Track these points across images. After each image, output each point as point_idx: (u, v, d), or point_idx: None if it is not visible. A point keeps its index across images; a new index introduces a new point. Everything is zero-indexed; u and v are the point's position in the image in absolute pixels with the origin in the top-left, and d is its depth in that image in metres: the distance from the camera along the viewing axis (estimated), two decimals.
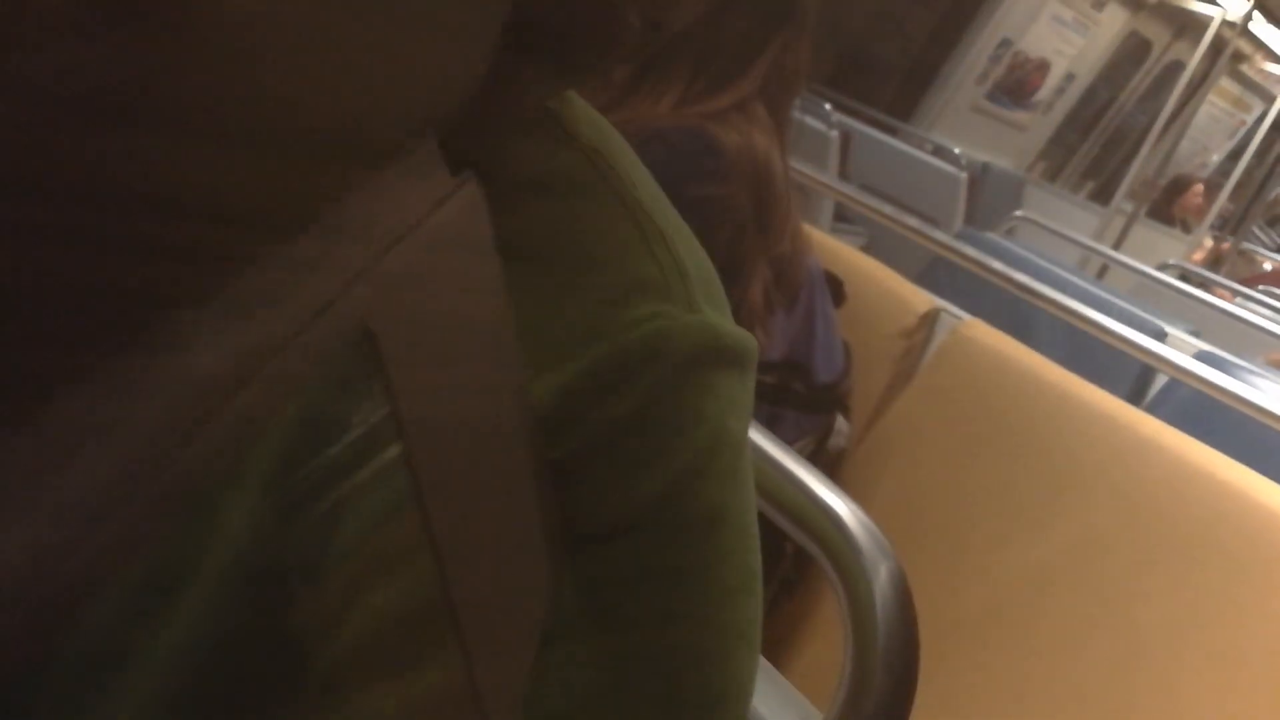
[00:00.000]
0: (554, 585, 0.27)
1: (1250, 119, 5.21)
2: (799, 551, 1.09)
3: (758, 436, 0.45)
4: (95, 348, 0.12)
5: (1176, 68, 4.49)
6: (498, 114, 0.29)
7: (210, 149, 0.13)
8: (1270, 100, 4.63)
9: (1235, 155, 4.84)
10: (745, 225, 0.94)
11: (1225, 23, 3.89)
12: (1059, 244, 2.60)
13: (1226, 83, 4.97)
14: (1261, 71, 4.97)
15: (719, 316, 0.30)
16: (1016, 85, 4.45)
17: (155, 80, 0.12)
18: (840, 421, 1.19)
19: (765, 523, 0.31)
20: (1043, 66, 4.46)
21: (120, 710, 0.13)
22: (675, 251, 0.30)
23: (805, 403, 1.14)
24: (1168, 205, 4.38)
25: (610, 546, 0.28)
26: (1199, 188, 4.41)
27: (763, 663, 0.46)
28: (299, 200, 0.16)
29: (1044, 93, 4.58)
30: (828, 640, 1.06)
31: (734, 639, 0.30)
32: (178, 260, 0.13)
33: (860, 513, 0.42)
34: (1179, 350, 1.21)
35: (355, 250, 0.17)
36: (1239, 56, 4.55)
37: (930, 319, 1.20)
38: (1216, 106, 5.16)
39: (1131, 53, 4.79)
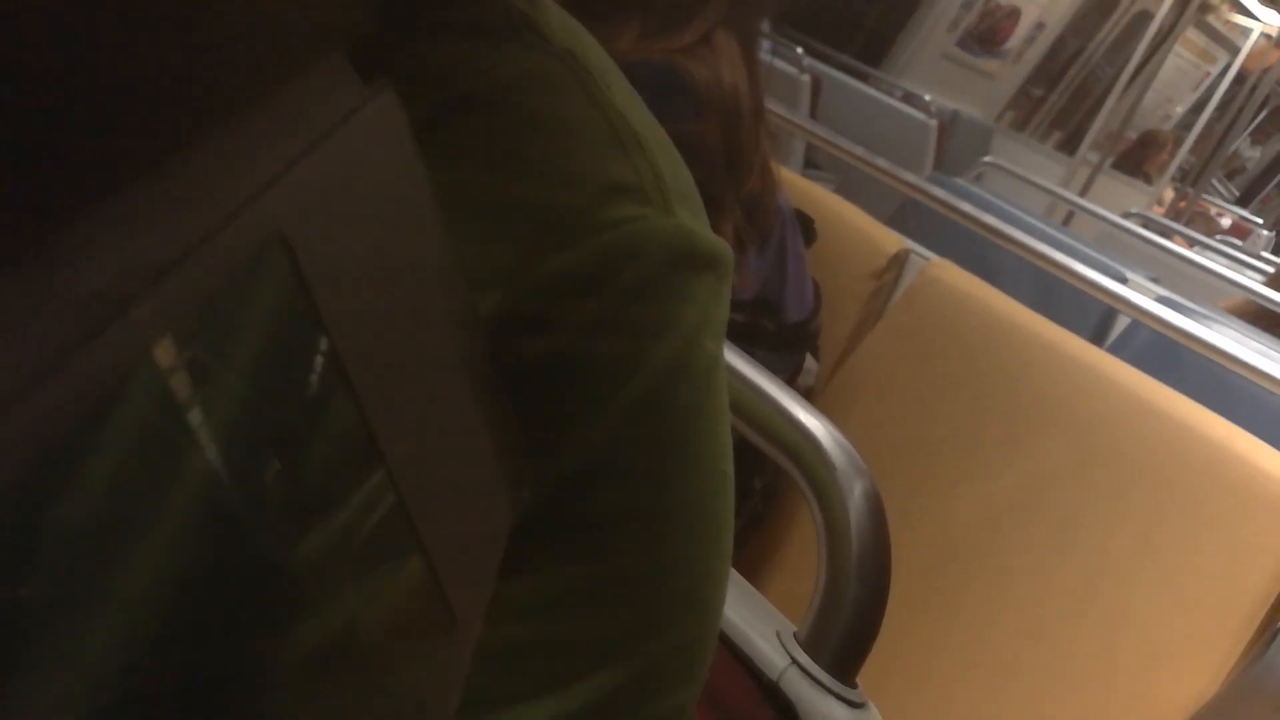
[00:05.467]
0: (514, 486, 0.27)
1: (1214, 71, 5.26)
2: (767, 487, 1.11)
3: (735, 359, 0.45)
4: None
5: (1144, 18, 4.50)
6: (451, 21, 0.28)
7: (115, 35, 0.12)
8: (1235, 52, 4.67)
9: (1198, 108, 4.89)
10: (716, 162, 0.93)
11: None
12: (1026, 194, 2.62)
13: (1193, 34, 5.00)
14: (1227, 23, 5.00)
15: (695, 220, 0.30)
16: (988, 33, 4.44)
17: None
18: (809, 360, 1.20)
19: (734, 458, 0.32)
20: (1014, 14, 4.44)
21: (101, 641, 0.13)
22: (652, 156, 0.29)
23: (775, 341, 1.15)
24: (1139, 160, 4.42)
25: (585, 447, 0.28)
26: (1170, 146, 4.46)
27: (736, 577, 0.48)
28: (203, 105, 0.15)
29: (1014, 41, 4.57)
30: (795, 573, 1.08)
31: (707, 541, 0.30)
32: (68, 165, 0.12)
33: (835, 430, 0.42)
34: (1140, 294, 1.23)
35: (263, 161, 0.16)
36: (1205, 7, 4.57)
37: (900, 260, 1.21)
38: (1182, 58, 5.20)
39: (1101, 2, 4.79)
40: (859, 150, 1.42)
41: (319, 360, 0.18)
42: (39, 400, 0.11)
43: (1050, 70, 5.05)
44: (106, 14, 0.12)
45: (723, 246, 0.30)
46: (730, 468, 0.31)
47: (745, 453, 0.39)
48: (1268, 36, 4.45)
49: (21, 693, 0.12)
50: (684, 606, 0.30)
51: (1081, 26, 4.88)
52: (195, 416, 0.15)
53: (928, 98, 3.28)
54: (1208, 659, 0.83)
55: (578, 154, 0.28)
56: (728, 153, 0.94)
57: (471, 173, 0.27)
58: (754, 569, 1.12)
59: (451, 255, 0.24)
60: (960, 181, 2.15)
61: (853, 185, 1.98)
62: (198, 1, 0.14)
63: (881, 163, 1.40)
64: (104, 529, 0.13)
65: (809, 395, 1.18)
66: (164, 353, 0.13)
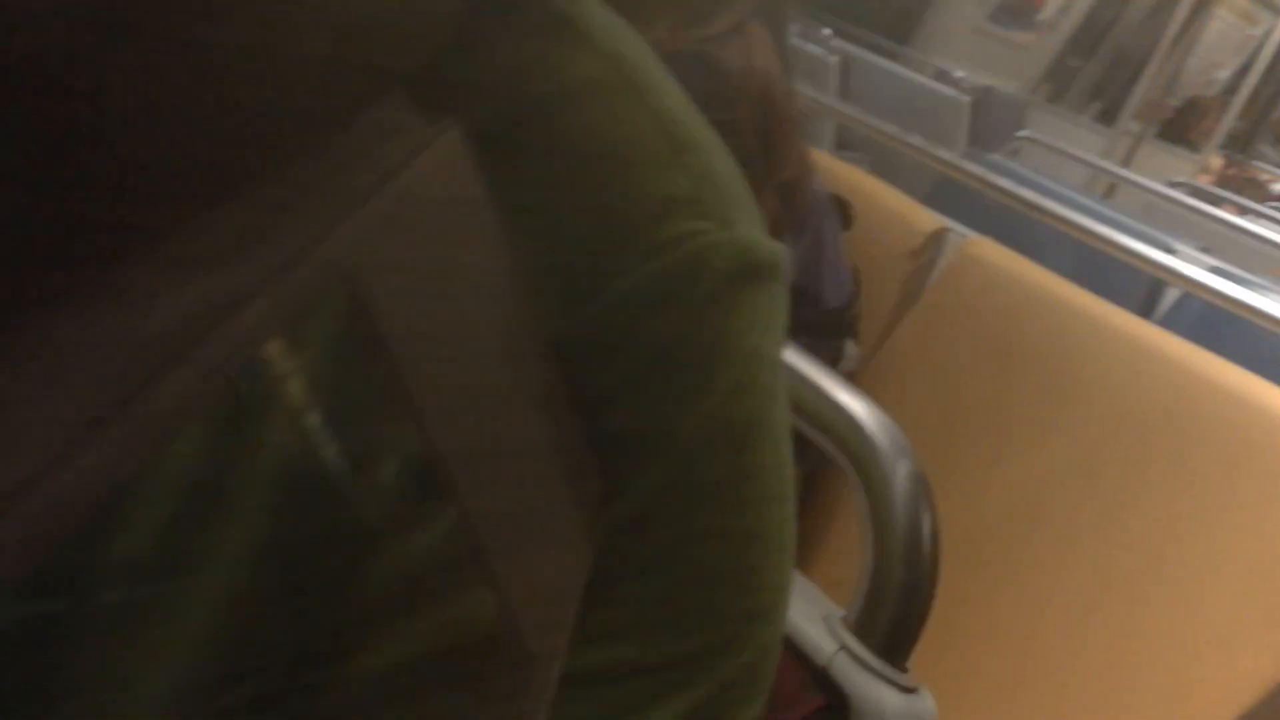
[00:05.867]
0: (590, 518, 0.27)
1: (1259, 33, 5.09)
2: (810, 473, 1.10)
3: None
4: (35, 304, 0.11)
5: None
6: (493, 30, 0.27)
7: (184, 74, 0.12)
8: (1279, 12, 4.52)
9: (1243, 71, 4.74)
10: (751, 151, 0.92)
11: None
12: (1063, 168, 2.56)
13: None
14: None
15: (751, 228, 0.29)
16: (1019, 4, 4.34)
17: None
18: (849, 346, 1.18)
19: None
20: None
21: (188, 608, 0.13)
22: (706, 160, 0.29)
23: (815, 329, 1.14)
24: (1183, 128, 4.30)
25: (657, 470, 0.28)
26: (1215, 111, 4.32)
27: None
28: (270, 145, 0.15)
29: (1047, 11, 4.46)
30: (839, 559, 1.07)
31: (775, 551, 0.30)
32: (133, 205, 0.12)
33: (879, 412, 0.41)
34: (1189, 264, 1.20)
35: (328, 202, 0.16)
36: None
37: (937, 238, 1.19)
38: (1224, 21, 5.03)
39: None
40: (891, 129, 1.40)
41: (388, 393, 0.18)
42: (110, 435, 0.11)
43: (1086, 39, 4.92)
44: (177, 53, 0.12)
45: (779, 252, 0.30)
46: (791, 473, 0.31)
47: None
48: None
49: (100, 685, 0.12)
50: (755, 620, 0.30)
51: None
52: (266, 449, 0.15)
53: (959, 74, 3.22)
54: (1277, 639, 0.81)
55: (635, 168, 0.28)
56: (763, 140, 0.93)
57: (531, 193, 0.27)
58: (798, 555, 1.11)
59: (519, 288, 0.24)
60: (996, 157, 2.11)
61: (886, 165, 1.96)
62: (266, 46, 0.14)
63: (915, 140, 1.38)
64: (169, 563, 0.13)
65: (850, 381, 1.16)
66: (234, 388, 0.14)
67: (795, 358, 0.45)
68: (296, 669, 0.16)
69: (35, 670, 0.11)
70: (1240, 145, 4.65)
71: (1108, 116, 4.85)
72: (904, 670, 0.41)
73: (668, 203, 0.28)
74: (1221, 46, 5.20)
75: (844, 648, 0.40)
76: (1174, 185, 2.68)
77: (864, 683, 0.40)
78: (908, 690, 0.41)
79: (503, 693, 0.22)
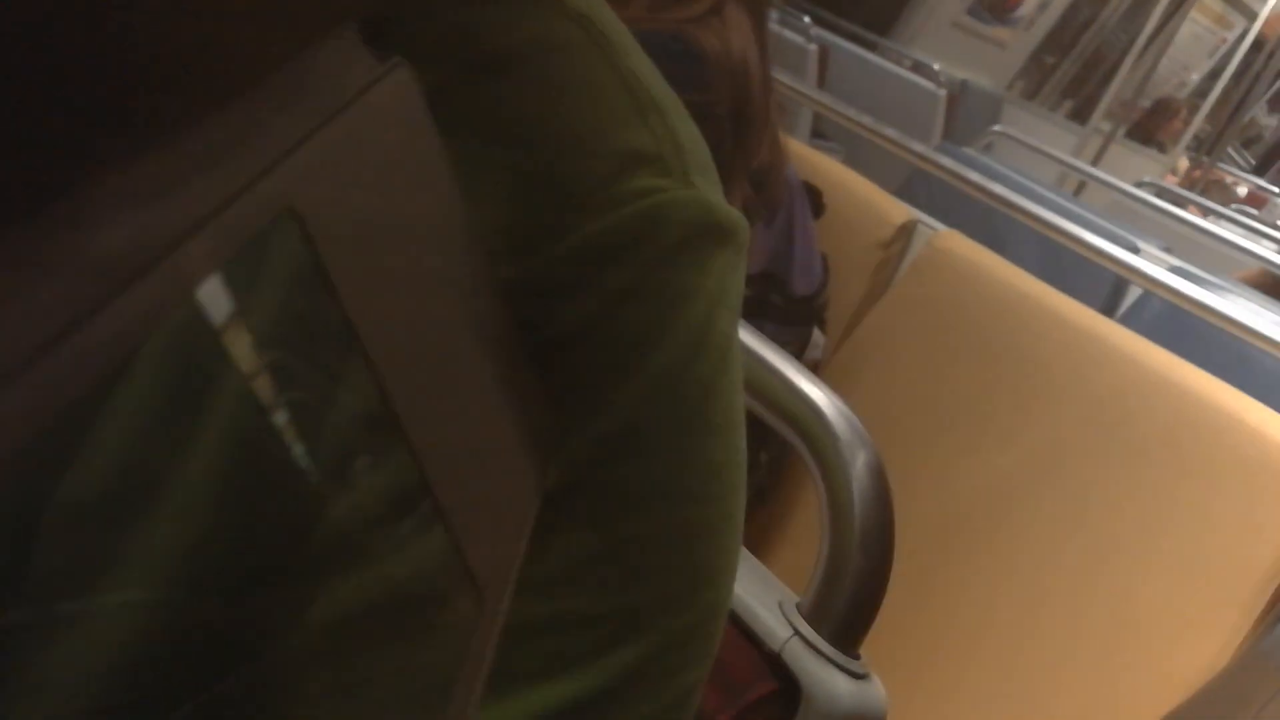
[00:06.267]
0: (540, 460, 0.27)
1: (1231, 37, 5.16)
2: (773, 460, 1.11)
3: (739, 331, 0.44)
4: None
5: None
6: None
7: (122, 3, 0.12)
8: (1252, 17, 4.59)
9: (1214, 75, 4.81)
10: (724, 134, 0.92)
11: None
12: (1036, 164, 2.59)
13: None
14: None
15: (713, 192, 0.29)
16: (998, 0, 4.37)
17: None
18: (817, 334, 1.19)
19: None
20: None
21: (138, 556, 0.13)
22: (670, 122, 0.29)
23: (782, 315, 1.14)
24: (1152, 129, 4.36)
25: (606, 420, 0.28)
26: (1184, 113, 4.39)
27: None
28: (213, 78, 0.15)
29: (1026, 8, 4.50)
30: (799, 546, 1.08)
31: (722, 517, 0.30)
32: (90, 125, 0.12)
33: (839, 401, 0.42)
34: (1152, 264, 1.22)
35: (274, 135, 0.16)
36: None
37: (907, 230, 1.19)
38: (1198, 24, 5.10)
39: None
40: (867, 120, 1.40)
41: (334, 331, 0.17)
42: (55, 360, 0.11)
43: (1062, 37, 4.97)
44: None
45: (739, 219, 0.30)
46: (744, 443, 0.31)
47: (751, 425, 0.39)
48: None
49: (46, 658, 0.12)
50: (700, 582, 0.30)
51: None
52: (212, 384, 0.15)
53: (937, 67, 3.24)
54: (1218, 631, 0.83)
55: (597, 122, 0.28)
56: (736, 125, 0.93)
57: (488, 142, 0.27)
58: (759, 542, 1.12)
59: (468, 229, 0.24)
60: (969, 151, 2.12)
61: (861, 155, 1.96)
62: None
63: (889, 132, 1.38)
64: (123, 494, 0.13)
65: (817, 369, 1.17)
66: (180, 319, 0.13)
67: (757, 343, 0.45)
68: (250, 621, 0.16)
69: None
70: (1208, 148, 4.73)
71: (1080, 115, 4.90)
72: (856, 657, 0.42)
73: (629, 157, 0.27)
74: (1194, 49, 5.27)
75: (797, 633, 0.41)
76: (1141, 185, 2.72)
77: (816, 669, 0.40)
78: (859, 677, 0.41)
79: (454, 632, 0.22)
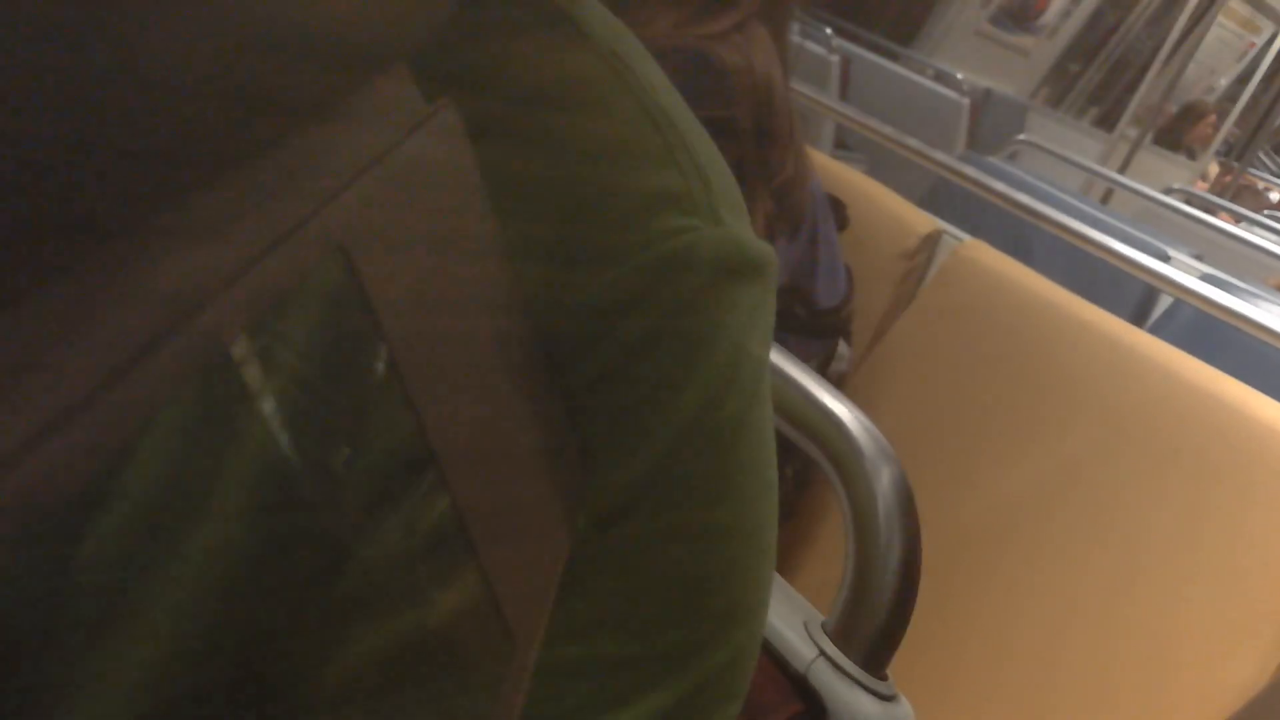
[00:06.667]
0: (572, 506, 0.27)
1: (1260, 41, 5.09)
2: (798, 474, 1.10)
3: None
4: (51, 260, 0.11)
5: None
6: (492, 20, 0.27)
7: (180, 44, 0.12)
8: None
9: (1243, 79, 4.74)
10: (747, 150, 0.91)
11: None
12: (1062, 172, 2.56)
13: (1236, 3, 4.84)
14: None
15: (741, 227, 0.29)
16: (1021, 8, 4.34)
17: None
18: (842, 346, 1.18)
19: None
20: None
21: (156, 608, 0.13)
22: (698, 159, 0.29)
23: (807, 328, 1.13)
24: (1180, 134, 4.30)
25: (639, 463, 0.28)
26: (1212, 117, 4.33)
27: None
28: (266, 118, 0.15)
29: (1049, 15, 4.46)
30: (825, 560, 1.07)
31: (755, 552, 0.30)
32: (128, 176, 0.12)
33: (863, 417, 0.41)
34: (1182, 271, 1.20)
35: (324, 175, 0.16)
36: None
37: (932, 240, 1.18)
38: (1225, 28, 5.04)
39: None
40: (889, 130, 1.39)
41: (377, 369, 0.18)
42: (108, 398, 0.11)
43: (1087, 44, 4.93)
44: (174, 24, 0.12)
45: (768, 252, 0.30)
46: (775, 473, 0.31)
47: (777, 440, 0.39)
48: None
49: (73, 682, 0.12)
50: (732, 621, 0.30)
51: None
52: (257, 420, 0.15)
53: (960, 76, 3.22)
54: (1256, 648, 0.81)
55: (626, 164, 0.28)
56: (759, 140, 0.93)
57: (516, 187, 0.27)
58: (785, 558, 1.11)
59: (508, 273, 0.24)
60: (993, 160, 2.11)
61: (884, 166, 1.95)
62: (264, 15, 0.14)
63: (912, 142, 1.37)
64: (164, 529, 0.13)
65: (842, 380, 1.16)
66: (230, 355, 0.14)
67: (781, 360, 0.44)
68: (282, 665, 0.16)
69: None
70: (1238, 153, 4.66)
71: (1107, 121, 4.85)
72: (883, 678, 0.41)
73: (657, 197, 0.27)
74: (1221, 54, 5.21)
75: (823, 654, 0.40)
76: (1170, 192, 2.68)
77: (842, 690, 0.40)
78: (886, 698, 0.41)
79: (486, 677, 0.22)
